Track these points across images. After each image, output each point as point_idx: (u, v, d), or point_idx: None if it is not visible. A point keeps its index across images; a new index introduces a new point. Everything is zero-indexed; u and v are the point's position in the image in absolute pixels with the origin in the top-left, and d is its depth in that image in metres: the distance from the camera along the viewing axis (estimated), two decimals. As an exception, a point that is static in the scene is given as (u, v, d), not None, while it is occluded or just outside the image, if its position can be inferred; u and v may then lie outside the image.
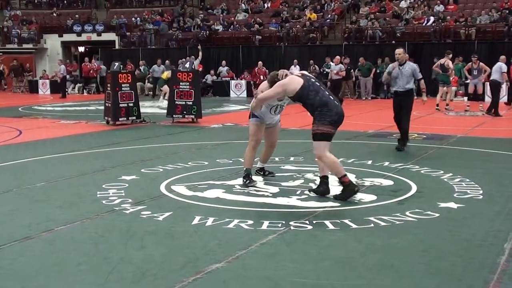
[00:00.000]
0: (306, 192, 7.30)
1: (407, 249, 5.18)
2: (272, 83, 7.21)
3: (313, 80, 7.07)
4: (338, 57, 23.74)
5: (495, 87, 17.54)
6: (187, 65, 16.45)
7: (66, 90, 30.11)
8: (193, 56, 24.69)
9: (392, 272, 4.63)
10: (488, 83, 18.78)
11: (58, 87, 29.42)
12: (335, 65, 22.97)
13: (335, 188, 7.55)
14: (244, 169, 7.78)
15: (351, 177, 8.13)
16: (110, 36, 35.48)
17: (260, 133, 7.81)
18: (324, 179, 7.12)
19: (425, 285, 4.37)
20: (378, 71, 26.05)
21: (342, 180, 6.90)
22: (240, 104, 22.68)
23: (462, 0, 30.30)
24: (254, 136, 7.78)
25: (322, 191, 7.10)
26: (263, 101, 7.32)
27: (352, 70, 25.24)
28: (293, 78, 7.03)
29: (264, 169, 8.27)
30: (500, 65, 17.60)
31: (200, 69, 25.78)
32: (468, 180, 8.00)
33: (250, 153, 7.77)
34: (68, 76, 31.31)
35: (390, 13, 30.01)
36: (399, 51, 11.07)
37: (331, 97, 6.97)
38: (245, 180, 7.67)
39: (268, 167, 8.34)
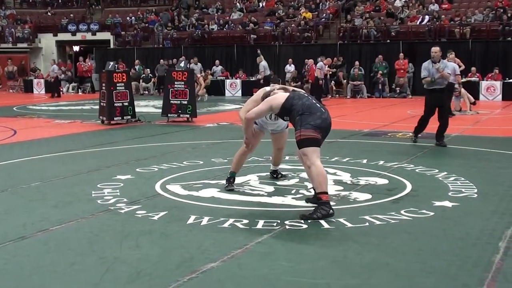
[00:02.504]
0: (301, 191, 7.30)
1: (402, 248, 5.18)
2: (264, 98, 6.82)
3: (302, 92, 6.66)
4: (329, 59, 23.99)
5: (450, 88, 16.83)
6: (182, 64, 16.43)
7: (61, 89, 30.12)
8: (260, 56, 24.81)
9: (387, 271, 4.63)
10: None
11: (52, 87, 29.39)
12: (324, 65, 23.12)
13: (330, 187, 7.57)
14: (230, 171, 7.55)
15: (346, 177, 8.17)
16: (105, 35, 35.46)
17: (255, 140, 7.37)
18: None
19: (420, 284, 4.38)
20: (375, 69, 26.10)
21: (320, 197, 6.14)
22: (235, 104, 22.66)
23: (457, -1, 30.41)
24: (247, 144, 7.33)
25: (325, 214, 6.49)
26: (250, 121, 6.86)
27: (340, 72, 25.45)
28: (279, 94, 6.61)
29: (278, 172, 8.05)
30: (454, 67, 16.08)
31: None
32: (463, 178, 8.01)
33: (239, 157, 7.47)
34: (63, 76, 31.31)
35: (384, 12, 30.05)
36: (435, 49, 11.05)
37: (317, 104, 6.40)
38: (226, 183, 7.48)
39: (263, 166, 8.33)
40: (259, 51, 24.88)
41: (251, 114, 6.71)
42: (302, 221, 5.99)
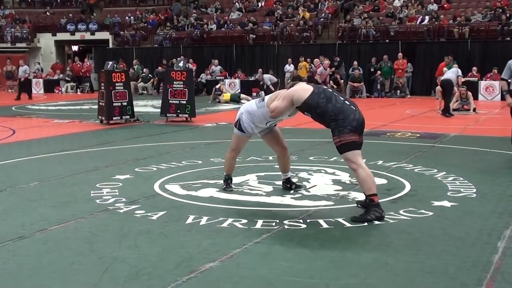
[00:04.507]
0: (300, 191, 7.29)
1: (401, 248, 5.18)
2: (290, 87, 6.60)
3: (324, 87, 6.44)
4: (327, 61, 24.23)
5: (449, 87, 16.97)
6: (180, 64, 16.42)
7: (60, 89, 30.11)
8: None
9: (386, 271, 4.63)
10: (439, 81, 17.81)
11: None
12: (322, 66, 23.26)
13: (329, 187, 7.58)
14: (224, 174, 7.48)
15: (345, 176, 8.17)
16: (104, 35, 35.44)
17: (241, 146, 7.29)
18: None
19: (419, 283, 4.38)
20: (372, 70, 26.10)
21: (372, 198, 6.05)
22: (234, 103, 22.65)
23: (456, -1, 30.41)
24: (234, 149, 7.27)
25: (379, 216, 6.02)
26: (278, 116, 6.60)
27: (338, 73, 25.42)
28: (301, 85, 6.48)
29: (291, 180, 7.47)
30: (457, 69, 17.63)
31: (194, 67, 25.80)
32: (461, 178, 8.01)
33: (230, 161, 7.36)
34: (61, 75, 31.32)
35: (383, 12, 30.05)
36: None
37: (346, 102, 6.22)
38: (223, 185, 7.44)
39: (262, 166, 8.30)
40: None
41: (276, 115, 6.52)
42: (301, 221, 5.99)
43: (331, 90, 6.38)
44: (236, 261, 4.86)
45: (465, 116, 17.02)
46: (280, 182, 7.56)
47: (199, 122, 15.62)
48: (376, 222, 5.93)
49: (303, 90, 6.30)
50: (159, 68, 28.25)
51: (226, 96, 23.60)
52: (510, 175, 8.32)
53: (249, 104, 7.15)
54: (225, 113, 18.97)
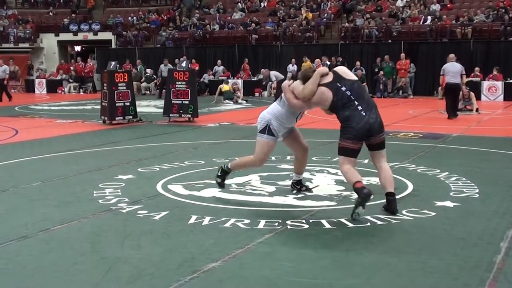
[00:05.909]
0: (303, 191, 7.29)
1: (403, 248, 5.18)
2: (305, 79, 6.41)
3: (344, 89, 6.24)
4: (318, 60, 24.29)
5: (457, 90, 16.64)
6: (183, 64, 16.43)
7: (63, 89, 30.11)
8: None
9: (388, 271, 4.63)
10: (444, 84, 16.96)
11: (54, 87, 29.09)
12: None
13: (331, 187, 7.58)
14: (227, 166, 7.13)
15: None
16: (107, 35, 35.46)
17: (269, 153, 6.89)
18: (390, 196, 6.35)
19: (422, 284, 4.38)
20: (376, 70, 26.07)
21: (355, 187, 6.08)
22: (237, 103, 22.69)
23: (458, -1, 30.37)
24: (262, 159, 6.86)
25: (391, 209, 6.30)
26: (299, 109, 6.67)
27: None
28: (323, 94, 6.29)
29: (302, 183, 7.35)
30: (461, 68, 16.48)
31: (196, 68, 25.80)
32: (464, 179, 8.00)
33: (246, 166, 7.22)
34: (64, 76, 31.37)
35: (386, 12, 30.02)
36: None
37: (359, 107, 6.19)
38: (219, 180, 7.16)
39: (264, 166, 8.25)
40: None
41: (294, 104, 6.55)
42: (304, 221, 6.00)
43: (348, 94, 6.23)
44: (238, 261, 4.86)
45: (468, 117, 16.99)
46: (283, 182, 7.57)
47: (202, 122, 15.62)
48: (379, 222, 5.94)
49: (323, 99, 6.33)
50: (161, 66, 28.27)
51: (225, 87, 23.69)
52: (513, 176, 8.33)
53: (272, 109, 6.81)
54: (227, 113, 18.98)
